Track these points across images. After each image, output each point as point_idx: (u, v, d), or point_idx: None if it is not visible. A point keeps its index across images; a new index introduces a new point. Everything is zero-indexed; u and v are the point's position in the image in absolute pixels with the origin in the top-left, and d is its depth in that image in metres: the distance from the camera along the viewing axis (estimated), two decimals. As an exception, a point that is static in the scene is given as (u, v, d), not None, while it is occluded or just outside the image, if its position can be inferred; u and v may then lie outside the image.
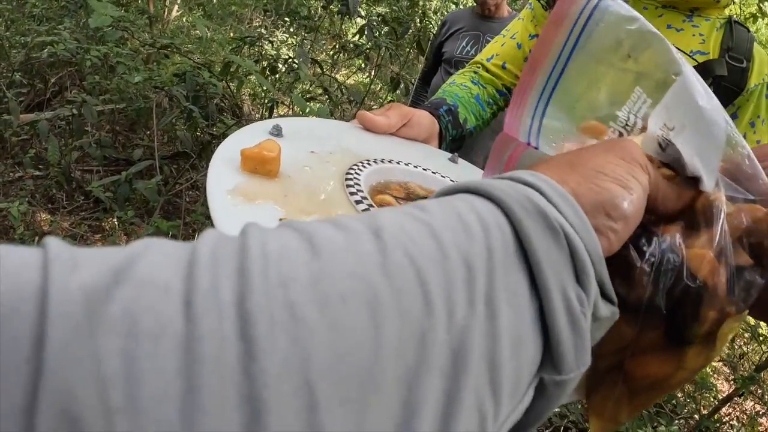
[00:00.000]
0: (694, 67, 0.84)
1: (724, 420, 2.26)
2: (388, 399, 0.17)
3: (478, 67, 1.01)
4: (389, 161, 0.54)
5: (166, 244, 0.18)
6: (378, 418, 0.16)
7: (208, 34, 4.06)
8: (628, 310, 0.26)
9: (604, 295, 0.24)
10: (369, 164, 0.51)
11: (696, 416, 2.23)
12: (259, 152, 0.41)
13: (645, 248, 0.27)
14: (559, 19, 0.32)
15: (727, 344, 2.65)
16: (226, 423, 0.14)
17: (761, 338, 2.49)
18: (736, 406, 2.42)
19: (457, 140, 0.87)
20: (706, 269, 0.26)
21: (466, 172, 0.65)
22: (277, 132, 0.52)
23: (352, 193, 0.45)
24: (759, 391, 2.29)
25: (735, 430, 2.27)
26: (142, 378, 0.14)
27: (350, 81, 5.16)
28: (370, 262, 0.18)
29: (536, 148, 0.36)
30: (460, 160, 0.67)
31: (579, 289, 0.22)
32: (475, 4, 2.27)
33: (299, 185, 0.44)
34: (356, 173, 0.48)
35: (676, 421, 2.13)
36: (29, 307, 0.14)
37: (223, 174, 0.42)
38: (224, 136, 2.59)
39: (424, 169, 0.57)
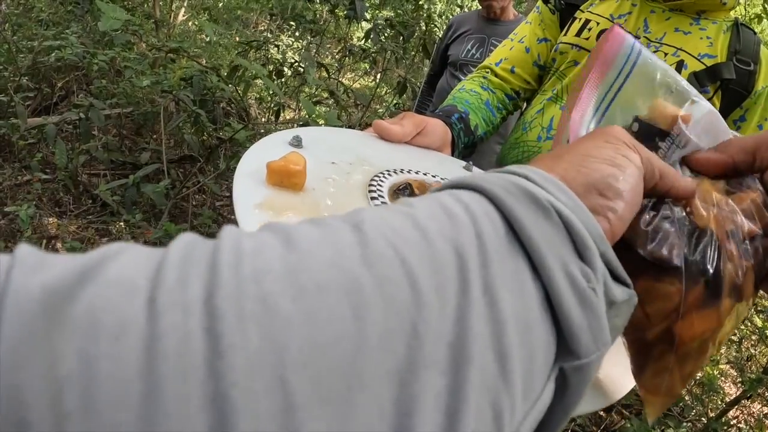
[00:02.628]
0: (703, 70, 0.84)
1: (731, 423, 2.25)
2: (378, 397, 0.15)
3: (487, 72, 1.01)
4: (408, 171, 0.55)
5: (141, 248, 0.17)
6: (367, 418, 0.15)
7: (215, 38, 4.07)
8: (669, 271, 0.27)
9: (616, 278, 0.23)
10: (390, 174, 0.52)
11: (704, 419, 2.22)
12: (285, 165, 0.41)
13: (660, 212, 0.29)
14: (611, 56, 0.42)
15: (734, 347, 2.64)
16: (190, 426, 0.13)
17: (768, 340, 2.49)
18: (743, 409, 2.41)
19: (469, 147, 0.88)
20: (711, 219, 0.29)
21: None
22: (297, 143, 0.52)
23: (377, 205, 0.45)
24: (767, 394, 2.28)
25: (743, 432, 2.26)
26: (99, 379, 0.13)
27: (356, 85, 5.17)
28: (349, 252, 0.17)
29: None
30: (474, 168, 0.68)
31: (582, 264, 0.21)
32: (480, 7, 2.27)
33: (325, 197, 0.44)
34: (378, 184, 0.49)
35: (684, 424, 2.12)
36: None
37: (248, 188, 0.42)
38: (231, 140, 2.60)
39: (441, 179, 0.57)
